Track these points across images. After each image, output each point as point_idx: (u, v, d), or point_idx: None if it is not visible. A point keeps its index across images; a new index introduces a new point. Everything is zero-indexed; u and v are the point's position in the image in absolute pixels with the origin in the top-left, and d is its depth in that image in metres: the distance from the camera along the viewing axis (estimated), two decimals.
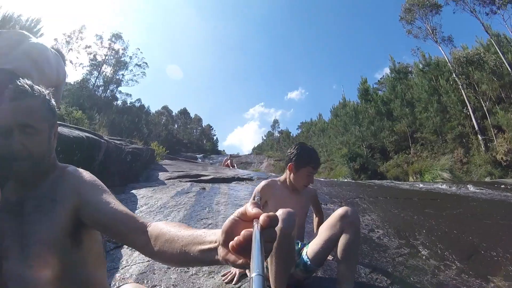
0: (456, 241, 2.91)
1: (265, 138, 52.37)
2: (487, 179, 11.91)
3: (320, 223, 2.23)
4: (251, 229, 0.52)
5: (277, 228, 1.26)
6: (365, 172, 16.75)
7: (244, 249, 0.52)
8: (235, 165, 15.17)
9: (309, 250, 1.81)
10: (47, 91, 1.08)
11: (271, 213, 0.52)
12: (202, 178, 6.01)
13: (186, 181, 5.48)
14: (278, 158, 28.84)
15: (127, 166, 5.41)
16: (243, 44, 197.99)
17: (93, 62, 31.94)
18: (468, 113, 16.25)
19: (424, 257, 2.55)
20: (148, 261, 2.08)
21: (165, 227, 0.80)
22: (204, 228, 2.82)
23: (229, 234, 0.59)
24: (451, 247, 2.75)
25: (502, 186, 6.57)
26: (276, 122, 56.63)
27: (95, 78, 32.07)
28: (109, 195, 1.02)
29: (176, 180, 5.57)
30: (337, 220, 1.75)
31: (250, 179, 6.53)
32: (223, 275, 2.02)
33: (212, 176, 6.21)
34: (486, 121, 15.48)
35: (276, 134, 49.38)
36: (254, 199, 1.83)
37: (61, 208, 0.98)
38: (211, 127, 53.67)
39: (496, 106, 15.45)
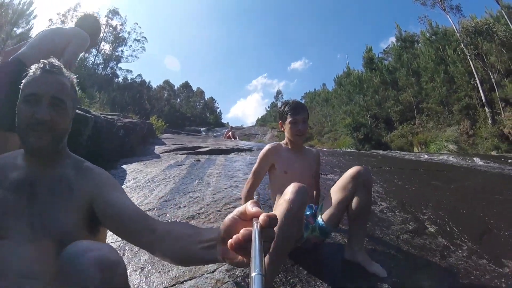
0: (466, 217, 2.65)
1: (268, 109, 52.06)
2: (494, 153, 11.73)
3: (315, 186, 2.23)
4: (251, 228, 0.52)
5: (287, 199, 1.45)
6: (369, 142, 16.56)
7: (242, 247, 0.53)
8: (236, 136, 15.05)
9: (324, 213, 1.84)
10: (73, 76, 1.12)
11: (270, 213, 0.51)
12: (199, 150, 5.83)
13: (182, 154, 5.29)
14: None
15: (119, 141, 5.20)
16: (244, 14, 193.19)
17: None
18: (475, 85, 15.78)
19: (431, 234, 2.30)
20: (121, 241, 1.89)
21: (170, 227, 0.82)
22: (189, 201, 2.66)
23: (227, 232, 0.60)
24: (461, 224, 2.49)
25: (509, 161, 6.27)
26: (279, 93, 56.06)
27: (94, 56, 31.66)
28: (122, 194, 1.04)
29: (171, 153, 5.37)
30: (349, 180, 1.79)
31: (249, 149, 6.33)
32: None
33: (210, 148, 6.03)
34: (494, 94, 15.04)
35: (280, 105, 48.91)
36: (255, 191, 2.03)
37: (78, 197, 1.00)
38: (214, 99, 53.30)
39: (505, 79, 15.00)
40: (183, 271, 1.67)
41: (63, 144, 1.08)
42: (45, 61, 1.04)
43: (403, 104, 19.55)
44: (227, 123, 46.62)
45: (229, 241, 0.53)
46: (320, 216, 1.86)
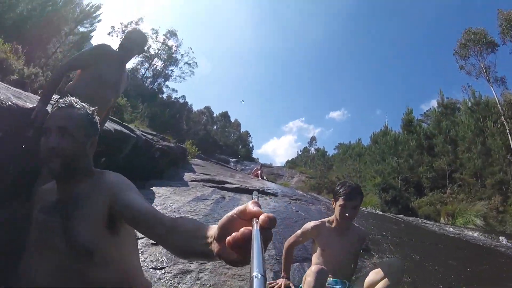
0: None
1: (300, 153, 51.83)
2: None
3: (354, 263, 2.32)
4: (250, 228, 0.52)
5: (308, 281, 1.74)
6: (396, 206, 15.99)
7: (239, 246, 0.53)
8: (264, 176, 15.07)
9: None
10: (92, 109, 1.31)
11: (270, 214, 0.53)
12: (226, 185, 5.91)
13: (209, 186, 5.41)
14: (310, 175, 28.39)
15: (153, 163, 5.42)
16: (291, 56, 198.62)
17: (145, 54, 33.20)
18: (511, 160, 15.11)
19: None
20: None
21: (179, 221, 0.87)
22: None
23: (224, 230, 0.61)
24: None
25: None
26: (313, 139, 55.72)
27: (145, 69, 33.44)
28: (136, 194, 1.15)
29: (199, 184, 5.51)
30: (382, 267, 1.91)
31: (274, 194, 6.33)
32: (269, 284, 2.23)
33: (237, 185, 6.10)
34: None
35: (312, 151, 48.64)
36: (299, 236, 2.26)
37: (96, 204, 1.14)
38: (249, 133, 53.90)
39: None
40: None
41: (80, 167, 1.23)
42: (61, 100, 1.27)
43: (436, 171, 18.93)
44: (257, 158, 46.82)
45: (227, 238, 0.54)
46: None
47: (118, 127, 4.25)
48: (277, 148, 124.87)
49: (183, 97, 37.84)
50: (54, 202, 1.20)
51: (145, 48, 2.73)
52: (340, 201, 2.11)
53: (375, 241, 4.05)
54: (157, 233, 0.94)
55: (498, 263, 3.91)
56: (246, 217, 0.58)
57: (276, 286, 2.19)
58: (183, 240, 0.79)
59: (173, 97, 35.90)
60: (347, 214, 2.09)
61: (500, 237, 6.25)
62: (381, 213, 11.03)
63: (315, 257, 2.20)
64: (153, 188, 4.26)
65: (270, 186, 7.93)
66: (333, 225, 2.22)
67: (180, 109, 34.76)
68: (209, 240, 0.68)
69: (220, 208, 3.90)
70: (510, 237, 6.50)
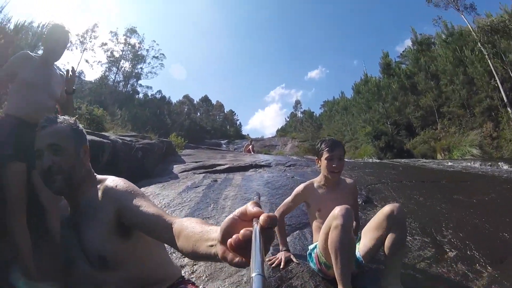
0: (488, 238, 2.47)
1: (288, 119, 51.82)
2: None
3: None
4: (251, 228, 0.52)
5: (337, 225, 1.65)
6: (391, 151, 16.16)
7: (241, 248, 0.53)
8: (255, 149, 15.01)
9: (361, 247, 1.91)
10: (73, 118, 1.33)
11: (271, 214, 0.52)
12: (217, 168, 5.80)
13: (200, 173, 5.28)
14: (302, 139, 28.49)
15: (137, 163, 5.26)
16: (257, 25, 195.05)
17: (111, 59, 32.45)
18: (496, 85, 15.09)
19: (451, 261, 2.16)
20: None
21: (185, 224, 0.86)
22: None
23: (227, 232, 0.60)
24: (482, 246, 2.32)
25: None
26: (298, 102, 55.64)
27: (114, 74, 32.66)
28: (142, 199, 1.13)
29: (190, 173, 5.37)
30: (384, 219, 1.81)
31: (268, 165, 6.27)
32: (268, 260, 2.15)
33: (228, 165, 5.98)
34: None
35: (299, 115, 48.67)
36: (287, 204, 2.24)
37: (103, 213, 1.14)
38: (234, 112, 53.73)
39: None
40: None
41: (80, 177, 1.23)
42: (41, 120, 1.24)
43: (424, 109, 19.04)
44: (248, 135, 46.81)
45: (229, 240, 0.53)
46: (358, 248, 1.92)
47: (89, 137, 4.04)
48: (264, 120, 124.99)
49: (159, 91, 37.30)
50: (67, 216, 1.24)
51: (67, 39, 2.51)
52: (325, 155, 2.11)
53: (376, 190, 3.99)
54: (164, 238, 0.96)
55: (504, 190, 3.87)
56: (247, 218, 0.57)
57: (276, 261, 2.14)
58: (189, 244, 0.79)
59: (149, 95, 35.33)
60: (334, 165, 2.08)
61: (499, 163, 6.31)
62: (377, 160, 11.07)
63: (314, 222, 2.17)
64: (142, 189, 4.12)
65: (262, 158, 7.82)
66: (322, 183, 2.20)
67: (159, 105, 34.32)
68: (213, 243, 0.68)
69: (212, 192, 3.79)
70: (509, 161, 6.57)
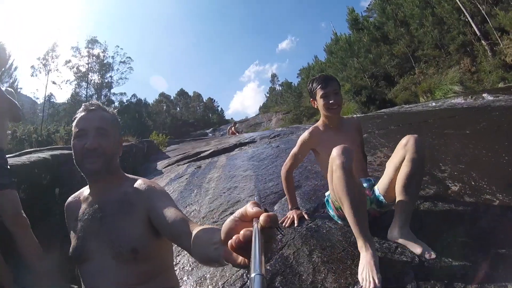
0: (491, 165, 2.31)
1: (268, 95, 51.48)
2: (501, 85, 11.19)
3: (363, 156, 2.16)
4: (251, 229, 0.52)
5: (336, 164, 1.54)
6: (374, 103, 16.16)
7: (242, 248, 0.53)
8: (240, 130, 14.91)
9: (380, 185, 1.79)
10: (114, 110, 1.37)
11: (271, 213, 0.52)
12: (202, 155, 5.65)
13: (184, 164, 5.13)
14: (286, 111, 28.39)
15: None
16: (220, 8, 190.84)
17: (78, 75, 31.57)
18: (466, 20, 14.94)
19: (456, 195, 2.00)
20: None
21: (198, 231, 0.86)
22: (189, 215, 2.50)
23: (228, 234, 0.60)
24: (486, 174, 2.17)
25: None
26: (274, 76, 55.07)
27: (85, 89, 31.90)
28: (170, 203, 1.15)
29: (174, 166, 5.22)
30: (400, 149, 1.69)
31: (252, 141, 6.13)
32: (281, 222, 2.05)
33: (212, 150, 5.83)
34: (487, 25, 14.18)
35: (278, 88, 48.31)
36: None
37: (139, 211, 1.17)
38: (213, 99, 52.98)
39: (495, 7, 14.06)
40: None
41: (115, 166, 1.27)
42: (87, 103, 1.29)
43: (399, 56, 18.98)
44: (231, 118, 46.42)
45: (229, 241, 0.53)
46: (377, 187, 1.81)
47: (57, 152, 3.85)
48: (244, 101, 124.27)
49: (134, 95, 36.69)
50: (90, 208, 1.22)
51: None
52: (319, 93, 1.99)
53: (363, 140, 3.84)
54: (184, 245, 0.97)
55: (493, 117, 3.77)
56: (247, 219, 0.57)
57: (288, 221, 2.02)
58: (201, 249, 0.80)
59: (125, 101, 34.58)
60: (332, 101, 1.95)
61: (483, 95, 6.21)
62: (362, 115, 11.01)
63: (324, 165, 1.92)
64: None
65: (247, 136, 7.70)
66: (326, 124, 2.08)
67: (137, 109, 33.75)
68: (217, 246, 0.68)
69: (196, 178, 3.65)
70: (492, 92, 6.48)
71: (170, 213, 1.08)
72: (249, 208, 0.56)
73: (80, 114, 1.25)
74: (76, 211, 1.26)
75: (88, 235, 1.18)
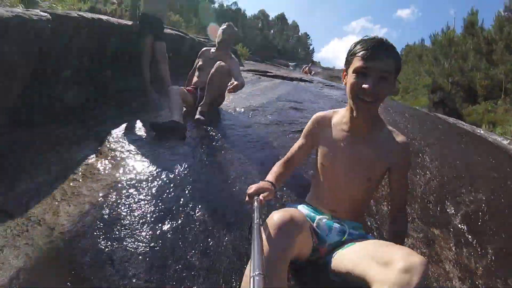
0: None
1: None
2: None
3: (393, 214, 1.49)
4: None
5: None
6: (443, 108, 15.43)
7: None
8: (312, 71, 15.70)
9: (337, 264, 1.22)
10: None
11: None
12: (266, 74, 6.87)
13: (251, 74, 6.46)
14: None
15: None
16: None
17: None
18: None
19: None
20: None
21: None
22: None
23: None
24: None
25: None
26: None
27: None
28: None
29: (243, 73, 6.60)
30: (388, 269, 0.95)
31: (310, 81, 6.83)
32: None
33: (275, 74, 7.02)
34: None
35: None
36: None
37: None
38: (308, 35, 51.70)
39: None
40: None
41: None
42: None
43: (493, 79, 17.51)
44: (319, 62, 45.42)
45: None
46: (333, 260, 1.25)
47: (173, 32, 5.68)
48: (338, 51, 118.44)
49: (235, 3, 37.09)
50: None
51: None
52: (356, 62, 1.21)
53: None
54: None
55: None
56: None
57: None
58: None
59: (225, 6, 35.33)
60: (366, 86, 1.18)
61: None
62: (425, 112, 10.82)
63: (314, 175, 1.54)
64: None
65: (308, 77, 8.26)
66: (345, 120, 1.39)
67: (234, 16, 34.44)
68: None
69: (251, 83, 5.17)
70: None
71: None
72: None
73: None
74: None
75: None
